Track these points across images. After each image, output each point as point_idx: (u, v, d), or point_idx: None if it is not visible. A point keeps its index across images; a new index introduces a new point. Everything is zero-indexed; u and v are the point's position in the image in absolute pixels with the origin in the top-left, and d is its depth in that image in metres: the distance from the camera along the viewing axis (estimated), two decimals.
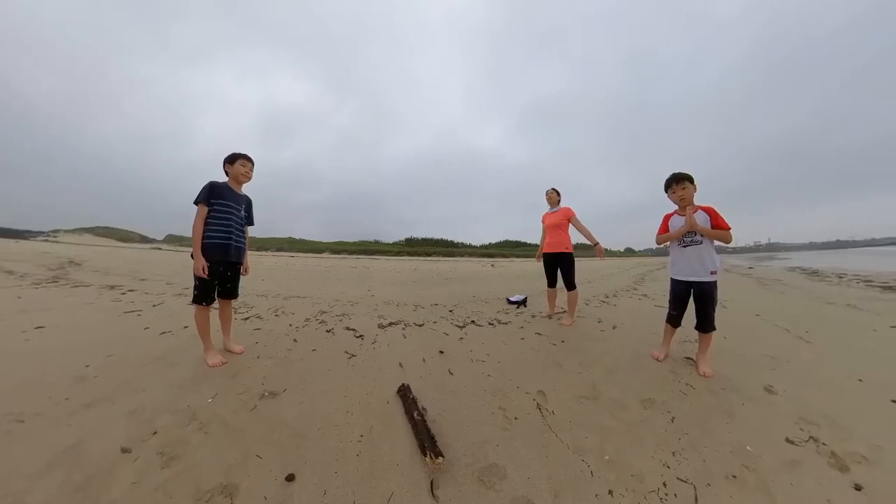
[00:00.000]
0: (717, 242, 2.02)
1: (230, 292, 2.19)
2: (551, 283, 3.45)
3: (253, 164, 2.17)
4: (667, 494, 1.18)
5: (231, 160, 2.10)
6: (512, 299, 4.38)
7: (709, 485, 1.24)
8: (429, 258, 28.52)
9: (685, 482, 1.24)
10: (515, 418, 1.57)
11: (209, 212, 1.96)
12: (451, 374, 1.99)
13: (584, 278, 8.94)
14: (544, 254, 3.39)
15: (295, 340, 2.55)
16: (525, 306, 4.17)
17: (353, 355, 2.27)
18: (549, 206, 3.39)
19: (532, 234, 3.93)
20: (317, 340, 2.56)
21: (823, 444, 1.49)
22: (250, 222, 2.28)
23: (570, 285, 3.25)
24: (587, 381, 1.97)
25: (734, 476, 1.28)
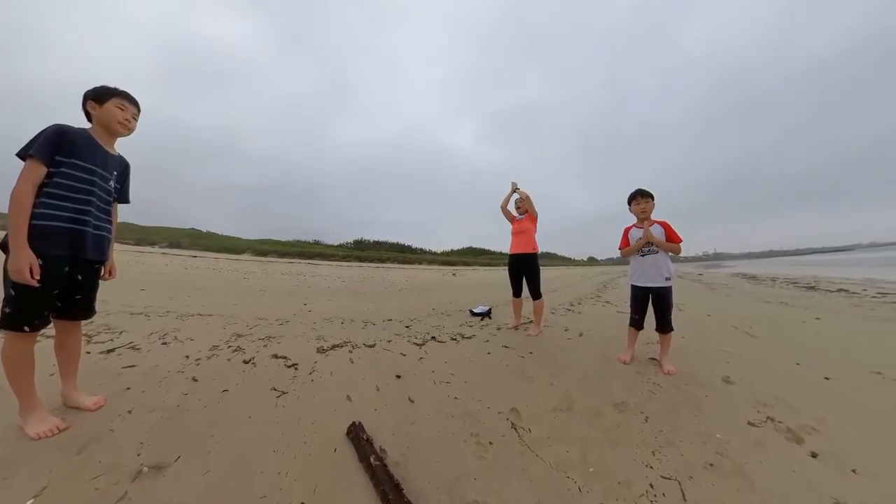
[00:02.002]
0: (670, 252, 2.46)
1: (80, 308, 1.54)
2: (516, 292, 3.58)
3: (138, 109, 1.59)
4: (655, 496, 1.22)
5: (99, 96, 1.49)
6: (476, 311, 4.40)
7: (691, 477, 1.31)
8: (382, 265, 26.13)
9: (669, 479, 1.30)
10: (490, 443, 1.50)
11: (51, 175, 1.34)
12: (412, 401, 1.84)
13: (550, 287, 9.45)
14: (510, 257, 3.56)
15: (194, 380, 1.96)
16: (490, 318, 4.22)
17: (284, 392, 1.88)
18: (516, 213, 3.62)
19: (498, 241, 3.98)
20: (229, 376, 2.03)
21: (779, 422, 1.73)
22: (123, 199, 1.70)
23: (536, 294, 3.40)
24: (560, 391, 2.01)
25: (711, 465, 1.38)
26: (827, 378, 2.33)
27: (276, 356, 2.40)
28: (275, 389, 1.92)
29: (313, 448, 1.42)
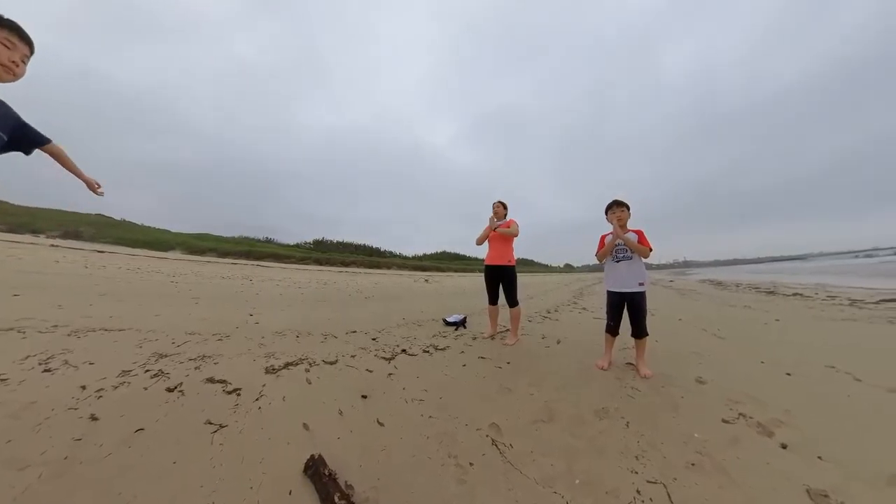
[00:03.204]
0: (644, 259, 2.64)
1: None
2: (492, 299, 3.61)
3: (31, 47, 1.38)
4: (643, 501, 1.24)
5: None
6: (449, 320, 4.37)
7: (675, 479, 1.36)
8: (346, 269, 24.00)
9: (655, 483, 1.35)
10: (471, 464, 1.47)
11: None
12: (382, 424, 1.75)
13: (526, 294, 9.67)
14: (486, 267, 3.60)
15: (93, 418, 1.61)
16: (465, 327, 4.21)
17: (222, 426, 1.63)
18: (496, 218, 3.62)
19: (474, 246, 3.92)
20: (146, 410, 1.71)
21: (750, 417, 1.88)
22: (37, 143, 1.51)
23: (513, 302, 3.46)
24: (540, 402, 2.03)
25: (693, 464, 1.46)
26: (788, 374, 2.58)
27: (211, 380, 2.10)
28: (210, 423, 1.66)
29: (262, 493, 1.27)
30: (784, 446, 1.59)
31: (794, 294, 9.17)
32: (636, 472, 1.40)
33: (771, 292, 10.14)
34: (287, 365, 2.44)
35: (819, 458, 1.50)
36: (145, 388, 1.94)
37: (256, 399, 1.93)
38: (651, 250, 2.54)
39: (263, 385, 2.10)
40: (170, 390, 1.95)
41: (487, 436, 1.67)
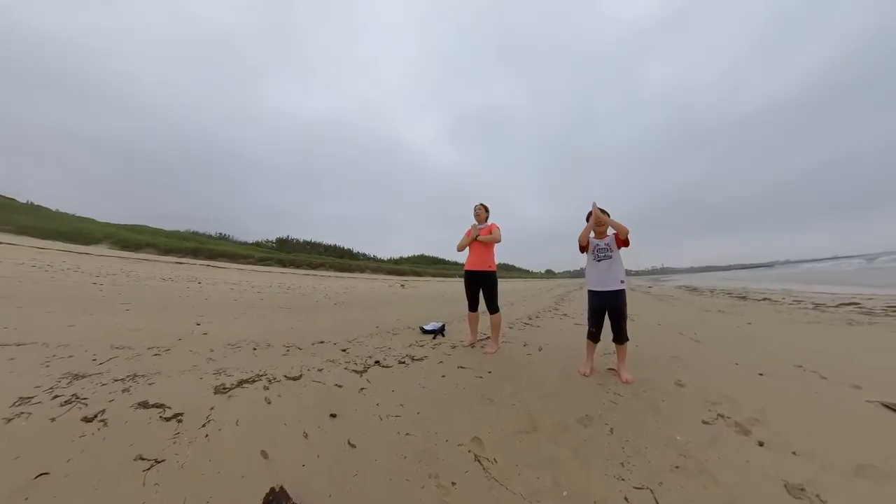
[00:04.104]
0: (624, 261, 2.81)
1: None
2: (472, 306, 3.61)
3: None
4: None
5: None
6: (427, 328, 4.35)
7: (661, 483, 1.40)
8: (313, 272, 22.82)
9: (642, 489, 1.38)
10: (453, 484, 1.44)
11: None
12: (353, 446, 1.68)
13: (507, 300, 9.76)
14: (466, 272, 3.61)
15: None
16: (443, 335, 4.18)
17: (158, 461, 1.43)
18: (476, 221, 3.67)
19: (454, 249, 3.90)
20: (53, 447, 1.45)
21: (728, 417, 1.99)
22: None
23: (493, 308, 3.48)
24: (522, 412, 2.04)
25: (677, 467, 1.51)
26: (761, 374, 2.77)
27: (144, 405, 1.83)
28: (142, 458, 1.43)
29: None
30: (761, 444, 1.69)
31: (764, 299, 9.95)
32: (623, 479, 1.43)
33: (743, 297, 10.99)
34: (242, 382, 2.25)
35: (793, 453, 1.60)
36: (52, 420, 1.63)
37: (203, 425, 1.72)
38: (628, 231, 2.69)
39: (212, 408, 1.89)
40: (87, 420, 1.67)
41: (470, 451, 1.65)
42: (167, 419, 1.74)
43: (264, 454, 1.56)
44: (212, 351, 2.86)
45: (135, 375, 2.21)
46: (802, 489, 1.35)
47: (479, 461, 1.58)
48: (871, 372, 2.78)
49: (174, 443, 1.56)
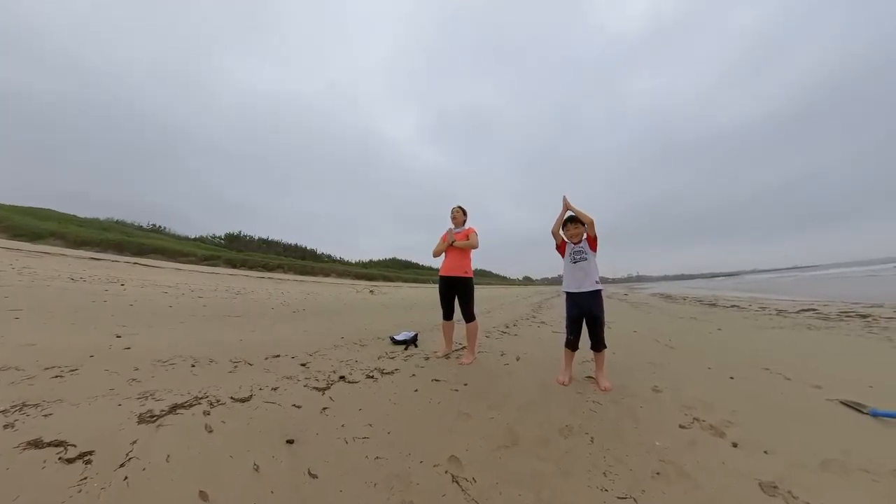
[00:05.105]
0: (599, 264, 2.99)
1: None
2: (447, 314, 3.60)
3: None
4: None
5: None
6: (398, 338, 4.29)
7: (643, 491, 1.45)
8: (269, 275, 21.19)
9: (625, 498, 1.42)
10: None
11: None
12: (315, 476, 1.57)
13: (484, 308, 9.84)
14: (441, 277, 3.60)
15: None
16: (416, 346, 4.14)
17: None
18: (452, 225, 3.68)
19: (428, 254, 3.87)
20: None
21: (703, 420, 2.12)
22: None
23: (469, 316, 3.48)
24: (501, 425, 2.04)
25: (658, 473, 1.57)
26: (732, 377, 2.97)
27: (37, 444, 1.53)
28: None
29: None
30: (735, 445, 1.80)
31: (732, 306, 10.74)
32: (606, 490, 1.47)
33: (713, 304, 11.81)
34: (175, 408, 1.98)
35: (765, 452, 1.73)
36: None
37: (121, 465, 1.46)
38: (593, 221, 2.88)
39: (134, 442, 1.62)
40: None
41: (447, 472, 1.62)
42: (69, 461, 1.46)
43: (203, 496, 1.38)
44: (136, 370, 2.55)
45: (23, 405, 1.85)
46: (775, 486, 1.45)
47: (457, 482, 1.55)
48: (830, 372, 3.06)
49: (79, 491, 1.31)
